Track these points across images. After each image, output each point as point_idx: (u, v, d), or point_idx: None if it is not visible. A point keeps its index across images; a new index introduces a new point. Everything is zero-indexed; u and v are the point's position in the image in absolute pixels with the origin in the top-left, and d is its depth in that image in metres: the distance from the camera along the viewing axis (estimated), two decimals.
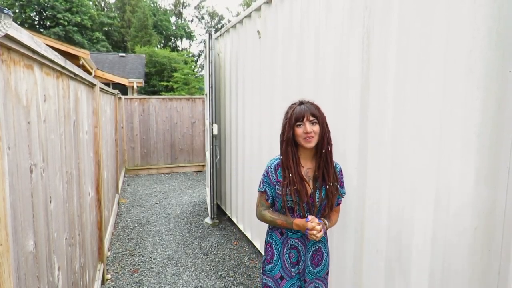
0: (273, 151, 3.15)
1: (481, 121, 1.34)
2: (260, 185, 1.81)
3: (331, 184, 1.70)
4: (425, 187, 1.56)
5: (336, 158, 2.20)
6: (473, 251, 1.38)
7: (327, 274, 1.86)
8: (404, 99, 1.66)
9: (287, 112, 1.72)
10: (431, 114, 1.52)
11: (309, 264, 1.77)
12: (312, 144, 1.64)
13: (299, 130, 1.64)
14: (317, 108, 1.69)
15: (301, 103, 1.70)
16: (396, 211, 1.74)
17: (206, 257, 3.79)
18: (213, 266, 3.57)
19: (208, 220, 4.89)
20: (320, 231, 1.58)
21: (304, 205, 1.67)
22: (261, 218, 1.80)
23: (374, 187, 1.89)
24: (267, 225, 1.90)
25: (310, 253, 1.77)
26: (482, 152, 1.34)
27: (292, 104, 1.73)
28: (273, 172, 1.75)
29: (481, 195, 1.34)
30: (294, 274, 1.76)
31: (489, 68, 1.30)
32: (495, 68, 1.28)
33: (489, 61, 1.30)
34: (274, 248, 1.80)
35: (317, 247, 1.79)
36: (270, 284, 1.80)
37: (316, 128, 1.64)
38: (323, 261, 1.81)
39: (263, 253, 1.94)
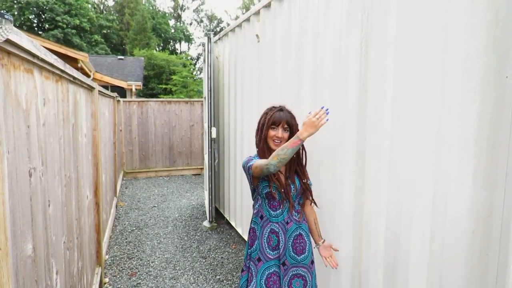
0: None
1: (478, 124, 1.35)
2: (251, 161, 1.86)
3: (305, 181, 1.94)
4: (423, 190, 1.57)
5: (335, 161, 2.21)
6: (471, 254, 1.39)
7: (312, 263, 1.93)
8: (402, 103, 1.67)
9: (266, 113, 1.94)
10: (429, 117, 1.53)
11: (291, 250, 1.88)
12: (277, 148, 1.83)
13: (272, 132, 1.89)
14: (293, 118, 1.93)
15: (281, 109, 1.92)
16: (394, 214, 1.74)
17: (204, 260, 3.78)
18: (211, 269, 3.56)
19: (206, 223, 4.88)
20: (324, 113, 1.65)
21: (282, 190, 1.85)
22: (277, 154, 1.68)
23: (372, 190, 1.89)
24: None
25: (292, 239, 1.89)
26: (479, 155, 1.34)
27: (273, 107, 1.96)
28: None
29: (479, 198, 1.35)
30: (271, 257, 1.88)
31: (487, 72, 1.31)
32: (492, 73, 1.29)
33: (486, 66, 1.31)
34: (256, 232, 1.94)
35: (298, 233, 1.90)
36: (251, 267, 1.92)
37: (286, 135, 1.90)
38: (307, 249, 1.91)
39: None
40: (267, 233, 1.89)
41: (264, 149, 1.91)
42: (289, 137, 1.89)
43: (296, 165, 1.93)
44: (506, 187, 1.24)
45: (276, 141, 1.88)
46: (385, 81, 1.77)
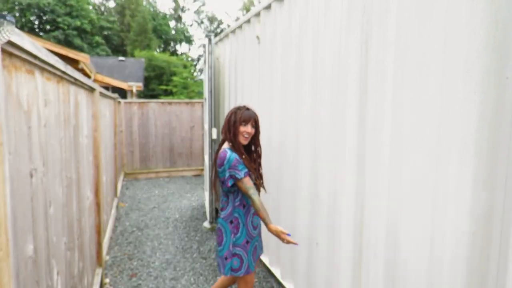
0: (271, 155, 3.15)
1: (478, 125, 1.35)
2: (239, 172, 2.06)
3: (261, 171, 2.36)
4: (423, 190, 1.57)
5: (335, 161, 2.21)
6: (471, 255, 1.38)
7: None
8: (402, 103, 1.67)
9: (235, 112, 2.20)
10: (429, 117, 1.53)
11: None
12: (246, 142, 2.20)
13: (242, 128, 2.16)
14: (257, 116, 2.26)
15: (248, 109, 2.23)
16: (394, 214, 1.74)
17: (204, 261, 3.78)
18: (211, 270, 3.56)
19: (206, 224, 4.88)
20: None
21: (256, 181, 2.20)
22: (259, 204, 2.06)
23: (373, 191, 1.89)
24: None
25: None
26: (480, 156, 1.34)
27: (241, 106, 2.25)
28: (239, 158, 2.12)
29: (479, 199, 1.35)
30: (254, 235, 2.28)
31: (487, 73, 1.31)
32: (492, 73, 1.30)
33: (487, 66, 1.31)
34: (240, 220, 2.20)
35: None
36: (240, 253, 2.19)
37: (253, 131, 2.22)
38: None
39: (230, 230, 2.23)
40: (251, 217, 2.24)
41: (238, 145, 2.16)
42: (255, 133, 2.24)
43: (258, 161, 2.34)
44: (507, 188, 1.24)
45: (245, 135, 2.17)
46: (385, 82, 1.77)
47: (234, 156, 2.10)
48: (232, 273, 2.20)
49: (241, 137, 2.16)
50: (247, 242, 2.22)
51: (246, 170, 2.09)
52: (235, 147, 2.16)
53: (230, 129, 2.18)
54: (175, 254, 3.98)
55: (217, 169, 2.17)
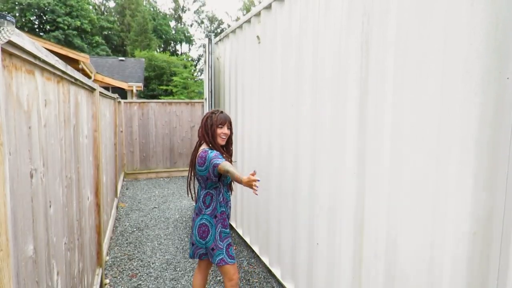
0: (271, 155, 3.15)
1: (479, 125, 1.34)
2: (220, 160, 2.20)
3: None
4: (423, 191, 1.57)
5: (335, 162, 2.21)
6: (472, 255, 1.38)
7: None
8: (402, 103, 1.67)
9: (210, 117, 2.38)
10: (429, 118, 1.53)
11: None
12: (224, 142, 2.40)
13: (219, 130, 2.36)
14: (231, 118, 2.46)
15: (222, 112, 2.42)
16: (394, 214, 1.74)
17: None
18: (212, 271, 3.56)
19: None
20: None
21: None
22: (234, 170, 2.11)
23: (373, 192, 1.89)
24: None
25: None
26: (480, 156, 1.34)
27: (215, 110, 2.43)
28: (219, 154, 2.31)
29: (480, 200, 1.35)
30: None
31: (487, 73, 1.31)
32: (492, 74, 1.29)
33: (487, 66, 1.31)
34: (225, 214, 2.42)
35: None
36: (231, 242, 2.42)
37: (229, 132, 2.42)
38: None
39: (213, 225, 2.39)
40: (229, 210, 2.50)
41: (217, 145, 2.36)
42: (230, 135, 2.44)
43: (230, 160, 2.46)
44: (507, 188, 1.24)
45: (223, 136, 2.37)
46: (385, 82, 1.77)
47: (215, 152, 2.29)
48: (230, 261, 2.36)
49: (219, 138, 2.36)
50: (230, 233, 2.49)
51: (219, 155, 2.28)
52: (215, 147, 2.35)
53: (208, 132, 2.36)
54: (175, 254, 3.98)
55: (199, 168, 2.29)
